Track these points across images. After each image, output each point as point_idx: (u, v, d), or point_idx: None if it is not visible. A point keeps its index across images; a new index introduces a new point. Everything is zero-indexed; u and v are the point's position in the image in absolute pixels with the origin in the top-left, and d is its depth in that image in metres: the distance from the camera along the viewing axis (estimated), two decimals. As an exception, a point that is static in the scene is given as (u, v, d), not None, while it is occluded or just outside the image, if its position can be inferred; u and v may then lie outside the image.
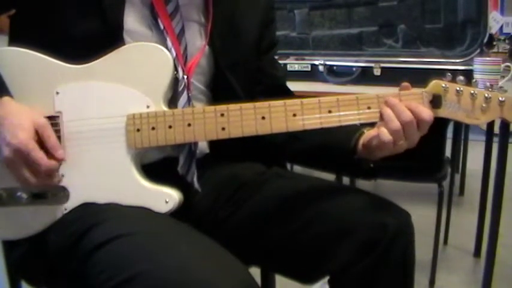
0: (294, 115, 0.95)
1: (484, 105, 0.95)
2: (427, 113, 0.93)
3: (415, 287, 1.04)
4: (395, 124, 0.93)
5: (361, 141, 1.04)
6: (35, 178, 0.92)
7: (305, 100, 0.95)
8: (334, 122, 0.95)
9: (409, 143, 0.95)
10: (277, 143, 1.13)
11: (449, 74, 0.95)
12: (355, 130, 1.06)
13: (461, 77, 0.95)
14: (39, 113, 0.95)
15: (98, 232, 0.89)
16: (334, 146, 1.08)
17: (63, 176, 0.97)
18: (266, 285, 1.40)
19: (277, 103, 0.95)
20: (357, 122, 0.96)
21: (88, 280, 0.87)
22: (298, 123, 0.95)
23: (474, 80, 0.96)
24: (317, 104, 0.95)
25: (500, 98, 0.95)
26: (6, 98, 0.94)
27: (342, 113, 0.95)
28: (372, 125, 1.01)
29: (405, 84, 0.97)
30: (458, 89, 0.95)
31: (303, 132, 0.97)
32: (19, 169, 0.91)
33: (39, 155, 0.90)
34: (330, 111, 0.95)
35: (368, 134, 1.02)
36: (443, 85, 0.95)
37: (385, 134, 0.93)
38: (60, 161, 0.94)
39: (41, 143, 0.92)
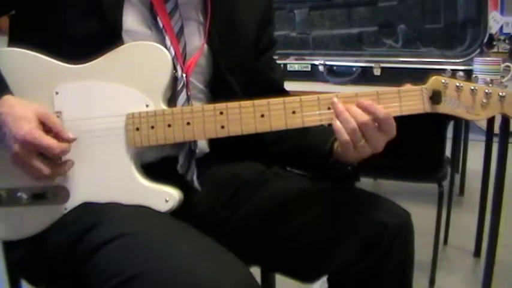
0: (293, 112, 0.95)
1: (484, 100, 0.94)
2: (381, 112, 0.93)
3: (415, 287, 1.03)
4: (352, 124, 0.92)
5: (337, 143, 1.04)
6: (48, 168, 0.92)
7: (304, 97, 0.95)
8: (334, 119, 0.95)
9: (373, 147, 0.95)
10: (265, 143, 1.13)
11: (449, 70, 0.95)
12: (330, 132, 1.05)
13: (461, 73, 0.95)
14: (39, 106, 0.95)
15: (98, 232, 0.89)
16: (312, 148, 1.08)
17: (67, 163, 0.96)
18: (266, 285, 1.40)
19: (276, 101, 0.95)
20: None
21: (88, 280, 0.87)
22: (297, 120, 0.95)
23: (474, 76, 0.96)
24: (316, 101, 0.95)
25: (500, 94, 0.94)
26: (7, 96, 0.94)
27: None
28: None
29: (406, 85, 0.97)
30: (458, 84, 0.95)
31: (286, 134, 0.97)
32: (30, 161, 0.90)
33: (48, 140, 0.90)
34: (329, 108, 0.95)
35: None
36: (443, 81, 0.95)
37: (342, 134, 0.93)
38: (70, 142, 0.94)
39: (47, 132, 0.93)
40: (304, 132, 0.98)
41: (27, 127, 0.90)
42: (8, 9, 1.06)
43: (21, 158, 0.90)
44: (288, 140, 1.11)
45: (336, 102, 0.94)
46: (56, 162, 0.94)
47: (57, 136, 0.93)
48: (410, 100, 0.95)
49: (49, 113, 0.94)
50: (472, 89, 0.94)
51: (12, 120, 0.90)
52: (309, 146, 1.08)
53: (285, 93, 1.28)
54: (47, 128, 0.93)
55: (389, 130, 0.94)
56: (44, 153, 0.91)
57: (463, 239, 2.61)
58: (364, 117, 0.92)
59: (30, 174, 0.93)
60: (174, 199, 0.96)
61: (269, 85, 1.24)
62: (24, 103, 0.93)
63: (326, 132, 1.03)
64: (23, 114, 0.91)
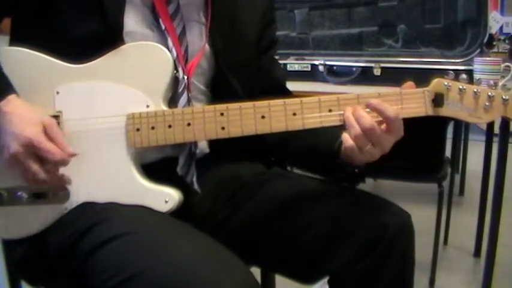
0: (294, 114, 0.95)
1: (487, 103, 0.94)
2: (391, 111, 0.91)
3: (415, 287, 1.03)
4: (356, 129, 0.91)
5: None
6: (44, 172, 0.92)
7: (305, 99, 0.95)
8: (334, 121, 0.95)
9: (381, 149, 0.93)
10: (269, 145, 1.13)
11: (452, 72, 0.94)
12: (338, 133, 1.04)
13: (463, 76, 0.94)
14: (43, 112, 0.95)
15: (98, 232, 0.89)
16: (320, 149, 1.07)
17: (63, 175, 0.96)
18: (266, 285, 1.40)
19: (277, 102, 0.95)
20: None
21: (88, 280, 0.87)
22: (298, 122, 0.95)
23: (478, 78, 0.95)
24: (317, 103, 0.95)
25: (503, 97, 0.93)
26: (12, 96, 0.94)
27: (342, 112, 0.95)
28: None
29: (409, 83, 0.96)
30: (461, 87, 0.94)
31: (293, 134, 0.97)
32: (27, 163, 0.91)
33: (51, 146, 0.91)
34: (330, 110, 0.95)
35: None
36: (446, 83, 0.94)
37: (347, 140, 0.93)
38: (70, 157, 0.93)
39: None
40: (310, 132, 0.96)
41: (33, 130, 0.90)
42: (10, 11, 1.06)
43: (19, 158, 0.90)
44: (295, 140, 1.09)
45: (346, 111, 0.93)
46: (53, 170, 0.93)
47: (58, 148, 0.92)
48: (412, 102, 0.94)
49: (54, 122, 0.94)
50: (475, 92, 0.94)
51: (17, 120, 0.91)
52: (315, 147, 1.07)
53: (288, 92, 1.28)
54: (48, 137, 0.92)
55: (397, 130, 0.92)
56: (43, 158, 0.91)
57: (463, 239, 2.61)
58: (368, 122, 0.90)
59: (25, 176, 0.93)
60: (173, 200, 0.96)
61: (271, 84, 1.24)
62: (30, 107, 0.94)
63: (333, 132, 1.02)
64: (29, 117, 0.91)
